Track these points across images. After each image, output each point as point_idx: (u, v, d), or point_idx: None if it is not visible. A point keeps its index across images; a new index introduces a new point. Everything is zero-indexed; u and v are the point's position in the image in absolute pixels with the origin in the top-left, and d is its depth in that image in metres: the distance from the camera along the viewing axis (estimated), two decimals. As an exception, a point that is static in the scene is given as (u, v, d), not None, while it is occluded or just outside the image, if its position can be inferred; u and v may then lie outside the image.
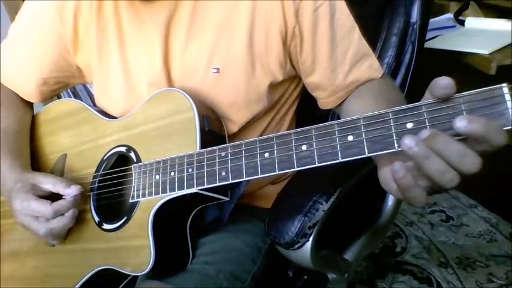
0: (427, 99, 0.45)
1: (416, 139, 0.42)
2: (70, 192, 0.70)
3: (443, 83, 0.43)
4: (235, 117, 0.76)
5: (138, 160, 0.72)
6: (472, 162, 0.41)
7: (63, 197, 0.70)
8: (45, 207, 0.68)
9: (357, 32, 0.74)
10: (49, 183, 0.71)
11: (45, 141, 0.87)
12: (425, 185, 0.45)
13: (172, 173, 0.65)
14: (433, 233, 1.70)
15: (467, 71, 1.26)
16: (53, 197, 0.71)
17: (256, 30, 0.71)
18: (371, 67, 0.76)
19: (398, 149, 0.46)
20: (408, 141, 0.42)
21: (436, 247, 1.63)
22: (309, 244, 0.70)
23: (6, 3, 1.85)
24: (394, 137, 0.46)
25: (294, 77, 0.81)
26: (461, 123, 0.40)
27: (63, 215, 0.69)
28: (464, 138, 0.42)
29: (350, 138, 0.49)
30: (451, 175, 0.42)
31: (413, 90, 0.93)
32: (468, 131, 0.40)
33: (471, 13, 1.54)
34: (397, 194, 0.48)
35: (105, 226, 0.73)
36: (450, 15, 1.58)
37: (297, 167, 0.53)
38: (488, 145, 0.41)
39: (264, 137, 0.57)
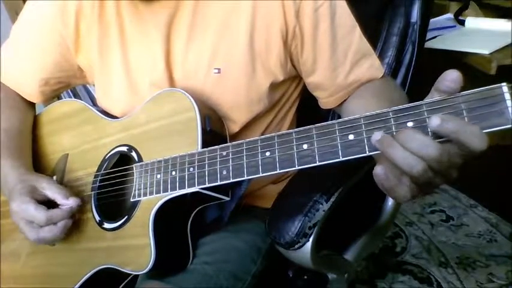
0: (432, 94, 0.46)
1: (383, 133, 0.45)
2: (67, 203, 0.70)
3: (452, 76, 0.44)
4: (237, 117, 0.76)
5: (140, 159, 0.72)
6: (426, 147, 0.43)
7: (60, 206, 0.70)
8: (39, 214, 0.67)
9: (357, 32, 0.75)
10: (49, 190, 0.71)
11: (47, 141, 0.87)
12: (406, 182, 0.46)
13: (173, 172, 0.65)
14: (433, 233, 1.70)
15: (467, 71, 1.26)
16: (52, 202, 0.71)
17: (257, 31, 0.72)
18: (372, 67, 0.76)
19: None
20: (374, 135, 0.45)
21: (436, 247, 1.63)
22: (309, 244, 0.70)
23: (6, 3, 1.85)
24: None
25: (295, 77, 0.81)
26: (434, 122, 0.42)
27: (55, 224, 0.69)
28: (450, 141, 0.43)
29: (351, 137, 0.49)
30: (413, 161, 0.43)
31: (414, 90, 0.93)
32: (440, 130, 0.42)
33: (471, 13, 1.54)
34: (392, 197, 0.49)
35: (106, 225, 0.74)
36: (450, 15, 1.58)
37: (298, 166, 0.53)
38: (466, 147, 0.42)
39: (265, 136, 0.57)
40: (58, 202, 0.70)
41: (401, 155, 0.44)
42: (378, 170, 0.46)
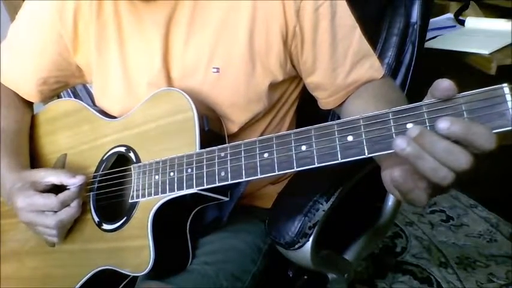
0: (428, 99, 0.45)
1: (407, 139, 0.42)
2: (75, 181, 0.70)
3: (443, 85, 0.43)
4: (235, 117, 0.75)
5: (138, 160, 0.72)
6: (460, 159, 0.41)
7: (67, 187, 0.70)
8: (50, 200, 0.68)
9: (357, 32, 0.74)
10: (52, 176, 0.71)
11: (45, 141, 0.87)
12: (424, 186, 0.45)
13: (171, 173, 0.65)
14: (433, 233, 1.70)
15: (467, 71, 1.26)
16: (54, 191, 0.71)
17: (257, 30, 0.71)
18: (372, 67, 0.75)
19: None
20: (400, 142, 0.42)
21: (436, 247, 1.63)
22: (309, 244, 0.70)
23: (6, 3, 1.85)
24: (394, 138, 0.46)
25: (294, 77, 0.81)
26: (443, 125, 0.40)
27: (69, 205, 0.70)
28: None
29: (350, 138, 0.49)
30: (443, 173, 0.42)
31: (414, 90, 0.93)
32: (449, 133, 0.41)
33: (471, 13, 1.54)
34: (399, 197, 0.48)
35: (105, 226, 0.73)
36: (450, 15, 1.58)
37: (297, 168, 0.53)
38: (474, 148, 0.41)
39: (264, 137, 0.56)
40: (65, 183, 0.70)
41: (431, 166, 0.42)
42: (396, 173, 0.45)
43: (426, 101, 0.45)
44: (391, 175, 0.46)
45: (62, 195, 0.69)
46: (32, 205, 0.68)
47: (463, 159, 0.41)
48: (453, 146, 0.41)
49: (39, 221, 0.69)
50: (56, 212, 0.69)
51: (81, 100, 0.87)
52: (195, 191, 0.63)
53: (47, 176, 0.71)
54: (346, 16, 0.73)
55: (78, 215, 0.72)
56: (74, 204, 0.70)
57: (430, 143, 0.41)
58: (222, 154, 0.60)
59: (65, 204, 0.69)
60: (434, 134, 0.42)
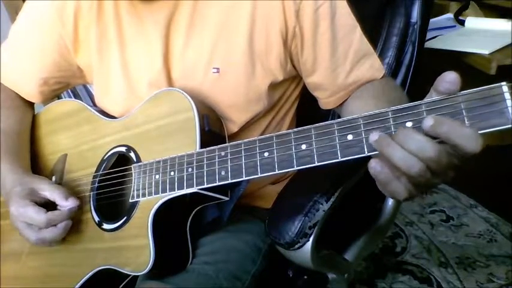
0: (430, 97, 0.46)
1: (381, 133, 0.45)
2: (66, 204, 0.70)
3: (449, 78, 0.43)
4: (235, 117, 0.76)
5: (138, 160, 0.72)
6: (430, 149, 0.42)
7: (58, 207, 0.70)
8: (39, 216, 0.67)
9: (358, 31, 0.74)
10: (47, 191, 0.71)
11: (46, 141, 0.87)
12: (403, 181, 0.46)
13: (172, 173, 0.65)
14: (433, 233, 1.70)
15: (467, 71, 1.26)
16: (51, 203, 0.70)
17: (257, 30, 0.71)
18: (372, 67, 0.76)
19: None
20: (372, 135, 0.45)
21: (436, 247, 1.63)
22: (309, 244, 0.70)
23: (6, 3, 1.85)
24: None
25: (294, 77, 0.81)
26: (427, 122, 0.42)
27: (56, 225, 0.69)
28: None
29: (349, 137, 0.49)
30: (412, 161, 0.43)
31: (414, 90, 0.93)
32: (432, 131, 0.42)
33: (471, 13, 1.55)
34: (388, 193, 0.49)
35: (105, 226, 0.73)
36: (450, 15, 1.58)
37: (297, 167, 0.53)
38: (458, 150, 0.42)
39: (264, 136, 0.57)
40: (57, 203, 0.70)
41: (399, 155, 0.44)
42: (373, 163, 0.46)
43: (425, 99, 0.46)
44: (368, 165, 0.47)
45: (51, 215, 0.68)
46: (22, 215, 0.68)
47: (432, 149, 0.42)
48: (420, 136, 0.43)
49: (25, 232, 0.70)
50: (41, 228, 0.69)
51: (81, 100, 0.87)
52: (196, 190, 0.63)
53: (44, 190, 0.71)
54: (346, 16, 0.74)
55: (63, 236, 0.71)
56: (61, 225, 0.69)
57: (403, 135, 0.44)
58: (223, 153, 0.60)
59: (51, 224, 0.68)
60: (408, 129, 0.44)
